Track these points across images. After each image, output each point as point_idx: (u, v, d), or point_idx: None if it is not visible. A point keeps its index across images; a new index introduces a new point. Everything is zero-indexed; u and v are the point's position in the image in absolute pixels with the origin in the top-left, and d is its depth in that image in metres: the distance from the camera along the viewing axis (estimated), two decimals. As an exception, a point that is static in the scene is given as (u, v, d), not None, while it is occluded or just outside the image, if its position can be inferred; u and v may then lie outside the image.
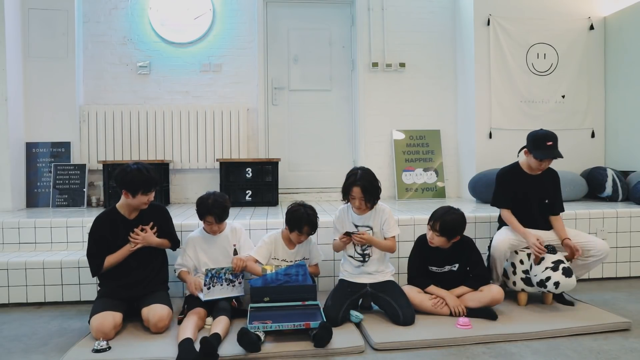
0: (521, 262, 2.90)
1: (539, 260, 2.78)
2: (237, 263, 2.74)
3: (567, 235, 2.96)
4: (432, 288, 2.80)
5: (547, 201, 3.05)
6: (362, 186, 2.68)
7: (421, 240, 2.93)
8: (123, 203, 2.70)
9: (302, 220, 2.81)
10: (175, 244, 2.89)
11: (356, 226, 2.80)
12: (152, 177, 2.65)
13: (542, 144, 2.97)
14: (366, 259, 2.78)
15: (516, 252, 2.95)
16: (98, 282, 2.72)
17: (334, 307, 2.63)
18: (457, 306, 2.69)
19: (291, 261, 2.89)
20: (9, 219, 3.48)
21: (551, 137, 3.00)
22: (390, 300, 2.68)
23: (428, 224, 2.82)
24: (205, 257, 2.89)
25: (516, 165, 3.12)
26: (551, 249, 2.81)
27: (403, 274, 3.19)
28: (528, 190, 3.03)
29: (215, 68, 4.83)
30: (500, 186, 3.11)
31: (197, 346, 2.23)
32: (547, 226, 3.06)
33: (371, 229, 2.77)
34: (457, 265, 2.85)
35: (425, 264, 2.87)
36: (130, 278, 2.64)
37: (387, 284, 2.77)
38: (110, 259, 2.64)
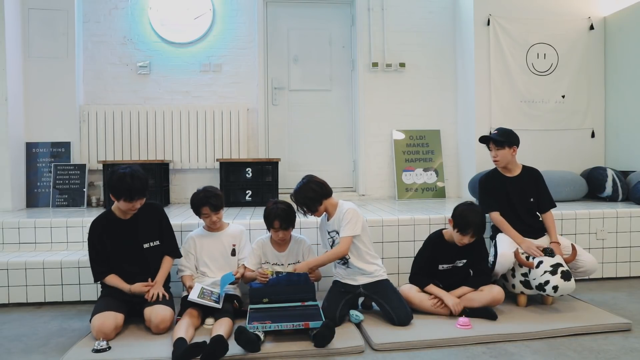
0: (520, 265, 2.89)
1: (537, 264, 2.77)
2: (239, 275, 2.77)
3: (557, 239, 2.99)
4: (431, 287, 2.80)
5: (532, 200, 3.07)
6: (294, 200, 2.78)
7: (432, 240, 2.90)
8: (117, 205, 2.69)
9: (270, 215, 2.80)
10: (173, 247, 2.81)
11: (329, 232, 2.81)
12: (136, 186, 2.56)
13: (485, 138, 3.16)
14: (347, 261, 2.76)
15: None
16: (101, 284, 2.72)
17: (330, 307, 2.63)
18: (456, 305, 2.69)
19: (282, 264, 2.88)
20: (9, 219, 3.48)
21: (497, 129, 3.20)
22: (382, 302, 2.67)
23: (455, 228, 2.74)
24: (204, 256, 2.89)
25: (494, 169, 3.20)
26: (550, 252, 2.81)
27: (403, 274, 3.19)
28: (510, 191, 3.08)
29: (215, 68, 4.83)
30: (483, 190, 3.17)
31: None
32: (540, 228, 3.08)
33: (337, 233, 2.74)
34: (464, 261, 2.84)
35: (434, 262, 2.85)
36: (133, 284, 2.61)
37: (379, 285, 2.74)
38: (114, 280, 2.62)
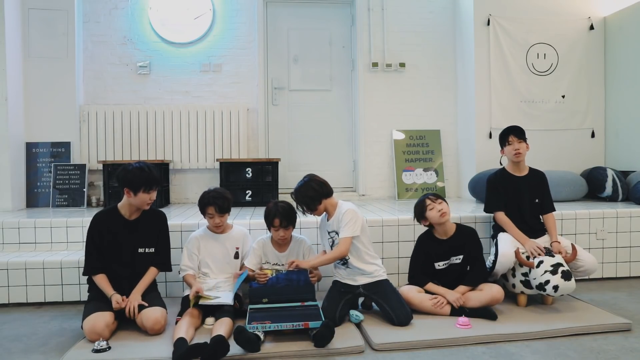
0: (520, 265, 2.89)
1: (537, 264, 2.77)
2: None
3: (557, 238, 2.99)
4: (430, 285, 2.81)
5: (537, 201, 3.09)
6: (294, 198, 2.78)
7: (423, 238, 2.94)
8: (124, 203, 2.69)
9: (270, 214, 2.80)
10: (164, 260, 2.77)
11: (328, 232, 2.81)
12: (154, 175, 2.65)
13: (506, 131, 3.13)
14: (346, 261, 2.76)
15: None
16: (88, 286, 2.70)
17: (330, 307, 2.63)
18: (457, 299, 2.69)
19: (283, 264, 2.87)
20: (9, 219, 3.48)
21: (513, 125, 3.17)
22: (382, 303, 2.67)
23: (427, 207, 2.83)
24: (207, 257, 2.88)
25: (503, 169, 3.20)
26: (548, 252, 2.81)
27: (403, 274, 3.19)
28: (519, 191, 3.09)
29: (215, 68, 4.83)
30: (491, 190, 3.16)
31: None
32: (540, 229, 3.08)
33: (337, 233, 2.74)
34: (460, 257, 2.85)
35: (429, 260, 2.87)
36: (121, 287, 2.60)
37: (379, 285, 2.74)
38: (101, 281, 2.60)
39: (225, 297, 2.66)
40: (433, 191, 4.89)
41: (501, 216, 3.07)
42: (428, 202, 2.84)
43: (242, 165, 4.40)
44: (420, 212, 2.88)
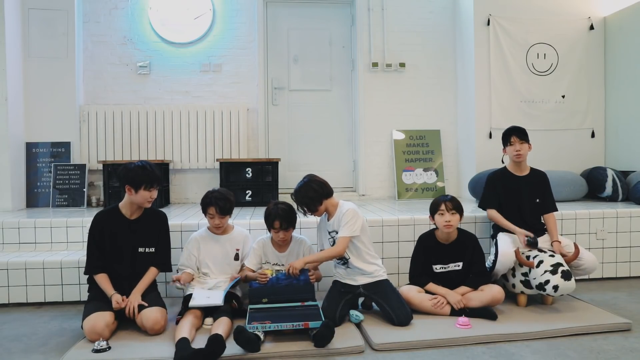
0: (520, 265, 2.89)
1: (537, 264, 2.77)
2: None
3: (558, 238, 3.00)
4: (431, 286, 2.81)
5: (538, 200, 3.10)
6: (294, 199, 2.78)
7: (423, 239, 2.94)
8: (126, 202, 2.69)
9: (270, 216, 2.80)
10: (164, 260, 2.77)
11: (329, 232, 2.80)
12: (155, 173, 2.66)
13: (508, 131, 3.13)
14: (347, 261, 2.76)
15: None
16: (88, 286, 2.70)
17: (330, 307, 2.63)
18: (458, 302, 2.69)
19: (283, 264, 2.87)
20: (9, 219, 3.48)
21: (516, 126, 3.17)
22: (382, 303, 2.67)
23: (439, 211, 2.81)
24: (207, 258, 2.88)
25: (504, 168, 3.21)
26: (531, 241, 2.85)
27: (403, 274, 3.19)
28: (518, 191, 3.10)
29: (215, 68, 4.83)
30: (488, 188, 3.18)
31: (196, 345, 2.22)
32: (540, 229, 3.09)
33: (337, 232, 2.74)
34: (460, 264, 2.84)
35: (428, 262, 2.87)
36: (121, 287, 2.60)
37: (379, 285, 2.74)
38: (102, 281, 2.60)
39: (215, 297, 2.64)
40: (433, 191, 4.89)
41: (492, 213, 3.11)
42: (442, 207, 2.81)
43: (242, 165, 4.40)
44: (432, 210, 2.88)
